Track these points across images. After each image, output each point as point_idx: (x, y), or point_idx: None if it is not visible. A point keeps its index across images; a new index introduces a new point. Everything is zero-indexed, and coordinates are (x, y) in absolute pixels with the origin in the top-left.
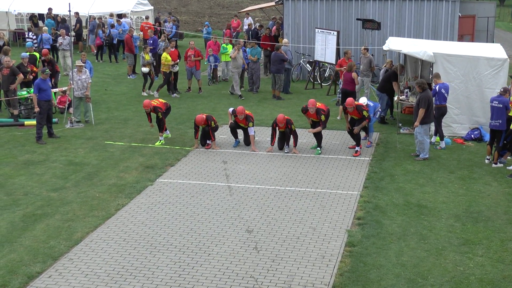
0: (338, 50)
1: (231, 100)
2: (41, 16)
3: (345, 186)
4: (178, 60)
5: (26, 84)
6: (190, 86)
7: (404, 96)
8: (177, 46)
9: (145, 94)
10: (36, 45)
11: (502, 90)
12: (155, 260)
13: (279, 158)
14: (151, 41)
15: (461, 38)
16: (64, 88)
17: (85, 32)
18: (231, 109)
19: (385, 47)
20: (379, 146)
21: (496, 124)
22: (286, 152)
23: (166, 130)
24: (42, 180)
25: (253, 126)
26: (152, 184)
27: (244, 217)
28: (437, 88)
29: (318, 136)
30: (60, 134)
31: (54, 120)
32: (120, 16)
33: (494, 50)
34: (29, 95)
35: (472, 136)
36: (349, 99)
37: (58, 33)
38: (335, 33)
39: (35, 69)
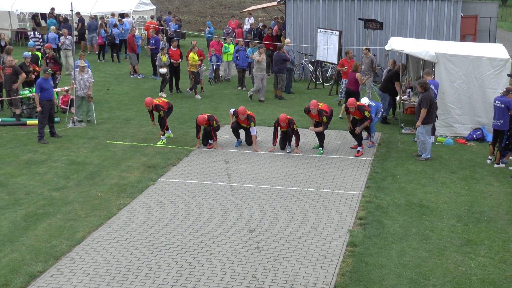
0: (340, 50)
1: (233, 100)
2: (43, 16)
3: (347, 186)
4: (180, 60)
5: (28, 83)
6: (192, 86)
7: (406, 96)
8: (179, 46)
9: (163, 95)
10: (40, 45)
11: (505, 90)
12: (157, 259)
13: (281, 158)
14: (153, 41)
15: (463, 38)
16: (66, 88)
17: (87, 32)
18: (232, 110)
19: (387, 47)
20: (381, 146)
21: (498, 124)
22: (288, 152)
23: (168, 129)
24: (44, 180)
25: (255, 126)
26: (154, 183)
27: (246, 217)
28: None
29: (320, 136)
30: (62, 134)
31: (56, 119)
32: (122, 15)
33: (496, 50)
34: (31, 94)
35: (474, 136)
36: (351, 99)
37: (60, 32)
38: (337, 33)
39: (37, 68)
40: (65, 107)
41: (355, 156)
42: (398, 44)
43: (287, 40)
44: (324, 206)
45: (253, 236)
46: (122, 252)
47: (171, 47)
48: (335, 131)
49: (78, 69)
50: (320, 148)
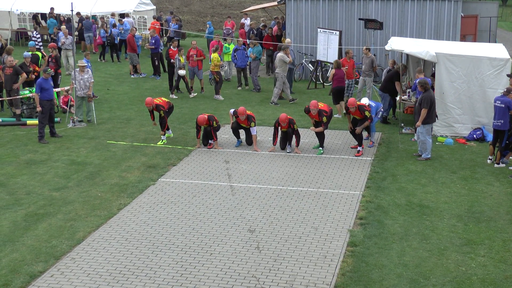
0: (340, 50)
1: (233, 99)
2: (43, 16)
3: (347, 186)
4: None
5: (28, 83)
6: (192, 86)
7: (407, 96)
8: (179, 46)
9: (192, 95)
10: (39, 45)
11: (505, 90)
12: (157, 259)
13: (281, 158)
14: (153, 41)
15: (463, 38)
16: (66, 88)
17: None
18: (232, 110)
19: (387, 47)
20: (381, 146)
21: (498, 124)
22: (288, 152)
23: (168, 129)
24: (44, 180)
25: (255, 126)
26: (154, 183)
27: (246, 217)
28: (417, 82)
29: (321, 136)
30: (63, 134)
31: (56, 119)
32: (122, 15)
33: (497, 50)
34: (31, 94)
35: (475, 136)
36: (351, 99)
37: (61, 32)
38: (337, 33)
39: (37, 68)
40: (65, 107)
41: (355, 156)
42: (398, 44)
43: (288, 40)
44: (324, 206)
45: (253, 236)
46: (123, 252)
47: (171, 47)
48: (335, 131)
49: (78, 69)
50: (320, 148)
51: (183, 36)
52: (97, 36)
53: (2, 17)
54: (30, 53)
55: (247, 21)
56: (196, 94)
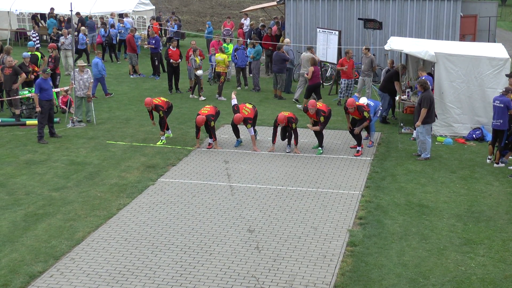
0: (339, 50)
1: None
2: (42, 16)
3: (346, 186)
4: (180, 60)
5: (27, 83)
6: (191, 86)
7: (406, 96)
8: (179, 46)
9: (202, 98)
10: (38, 44)
11: (504, 90)
12: (156, 259)
13: (281, 158)
14: (153, 41)
15: (462, 38)
16: (66, 88)
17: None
18: (233, 103)
19: (386, 47)
20: (380, 146)
21: (497, 123)
22: (287, 152)
23: (168, 129)
24: (43, 180)
25: (251, 127)
26: (154, 183)
27: (246, 217)
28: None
29: (319, 136)
30: (62, 134)
31: (56, 119)
32: (121, 15)
33: (496, 50)
34: (30, 94)
35: (474, 136)
36: (350, 100)
37: (60, 32)
38: (337, 32)
39: (36, 68)
40: (64, 107)
41: (355, 156)
42: (397, 44)
43: (287, 40)
44: (323, 206)
45: (253, 236)
46: (122, 252)
47: (170, 47)
48: (335, 131)
49: (78, 69)
50: (320, 148)
51: (182, 36)
52: (97, 35)
53: (2, 17)
54: (29, 53)
55: (246, 22)
56: (205, 98)
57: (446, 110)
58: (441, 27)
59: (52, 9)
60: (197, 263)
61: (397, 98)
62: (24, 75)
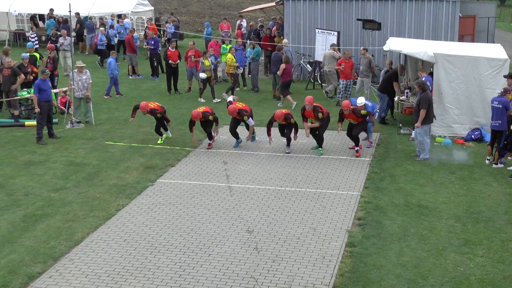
0: (338, 51)
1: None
2: (41, 17)
3: (345, 187)
4: (179, 61)
5: (26, 84)
6: (190, 87)
7: (405, 97)
8: (178, 47)
9: (202, 100)
10: (37, 45)
11: (502, 90)
12: (155, 260)
13: (280, 159)
14: (152, 42)
15: (461, 39)
16: (64, 89)
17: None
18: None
19: (385, 48)
20: (379, 146)
21: (496, 124)
22: (287, 153)
23: (167, 130)
24: (42, 181)
25: (249, 117)
26: (153, 184)
27: (245, 218)
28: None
29: (319, 139)
30: (61, 135)
31: (55, 120)
32: (120, 16)
33: (495, 51)
34: (29, 95)
35: (473, 136)
36: (345, 102)
37: (59, 33)
38: (336, 33)
39: (35, 69)
40: (63, 108)
41: (355, 156)
42: (396, 44)
43: (285, 40)
44: (322, 206)
45: (252, 236)
46: (121, 253)
47: (169, 48)
48: (334, 132)
49: (76, 70)
50: (320, 149)
51: (181, 37)
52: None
53: (0, 18)
54: (28, 54)
55: (243, 23)
56: (220, 100)
57: (445, 110)
58: (440, 27)
59: (51, 10)
60: (196, 264)
61: (396, 98)
62: (22, 76)
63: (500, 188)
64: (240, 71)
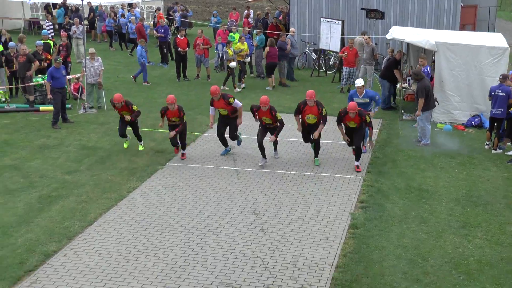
0: (342, 39)
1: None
2: (54, 6)
3: (348, 171)
4: (188, 48)
5: (40, 71)
6: (199, 73)
7: (407, 84)
8: (186, 35)
9: (238, 90)
10: (52, 33)
11: (501, 77)
12: (165, 240)
13: (285, 144)
14: (162, 30)
15: (463, 28)
16: (77, 75)
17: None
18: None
19: (388, 36)
20: (382, 132)
21: (498, 112)
22: (276, 158)
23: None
24: (57, 164)
25: (234, 100)
26: (162, 167)
27: (251, 200)
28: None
29: (317, 146)
30: (74, 120)
31: (68, 105)
32: (130, 5)
33: (495, 39)
34: (43, 81)
35: (473, 122)
36: (352, 104)
37: (72, 22)
38: (340, 22)
39: (49, 56)
40: (76, 94)
41: (356, 171)
42: (399, 33)
43: (292, 29)
44: (326, 189)
45: (258, 218)
46: (132, 233)
47: (178, 35)
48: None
49: (89, 57)
50: (317, 158)
51: (190, 25)
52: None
53: (15, 7)
54: (42, 41)
55: (251, 12)
56: (240, 90)
57: (446, 97)
58: (441, 17)
59: None
60: (204, 244)
61: (398, 86)
62: (37, 62)
63: (499, 173)
64: (248, 59)
